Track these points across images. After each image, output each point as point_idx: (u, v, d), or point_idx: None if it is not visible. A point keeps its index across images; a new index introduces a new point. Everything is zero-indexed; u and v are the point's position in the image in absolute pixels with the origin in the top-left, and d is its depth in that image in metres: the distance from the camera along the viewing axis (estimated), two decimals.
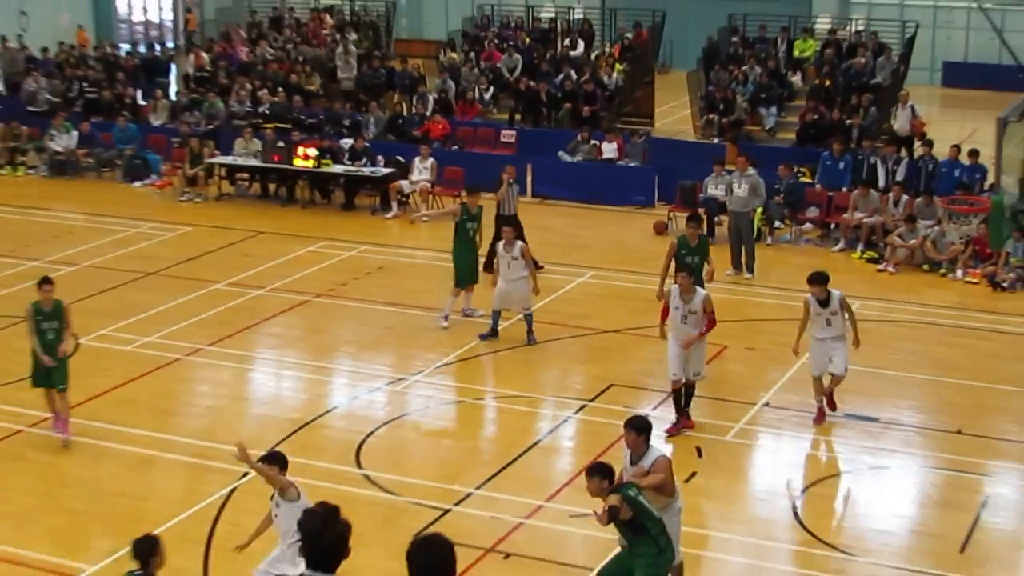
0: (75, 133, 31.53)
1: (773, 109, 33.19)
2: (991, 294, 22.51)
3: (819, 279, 16.88)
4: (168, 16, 52.20)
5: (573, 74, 34.54)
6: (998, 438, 16.56)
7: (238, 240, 25.53)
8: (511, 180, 22.72)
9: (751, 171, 23.85)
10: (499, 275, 19.72)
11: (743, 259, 23.40)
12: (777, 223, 25.87)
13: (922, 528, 14.49)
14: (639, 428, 12.13)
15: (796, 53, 36.04)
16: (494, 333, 19.72)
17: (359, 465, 15.68)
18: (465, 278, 20.63)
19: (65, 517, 14.49)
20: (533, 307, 19.70)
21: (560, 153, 29.88)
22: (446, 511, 14.41)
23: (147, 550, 10.39)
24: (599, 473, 11.47)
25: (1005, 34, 25.31)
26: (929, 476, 15.67)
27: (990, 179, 25.15)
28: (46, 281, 16.37)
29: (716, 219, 25.27)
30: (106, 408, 17.37)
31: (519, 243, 19.45)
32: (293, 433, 16.54)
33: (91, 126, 31.96)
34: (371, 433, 16.67)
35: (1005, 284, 22.63)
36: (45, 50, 39.10)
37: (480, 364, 18.43)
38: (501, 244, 19.63)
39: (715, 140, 31.70)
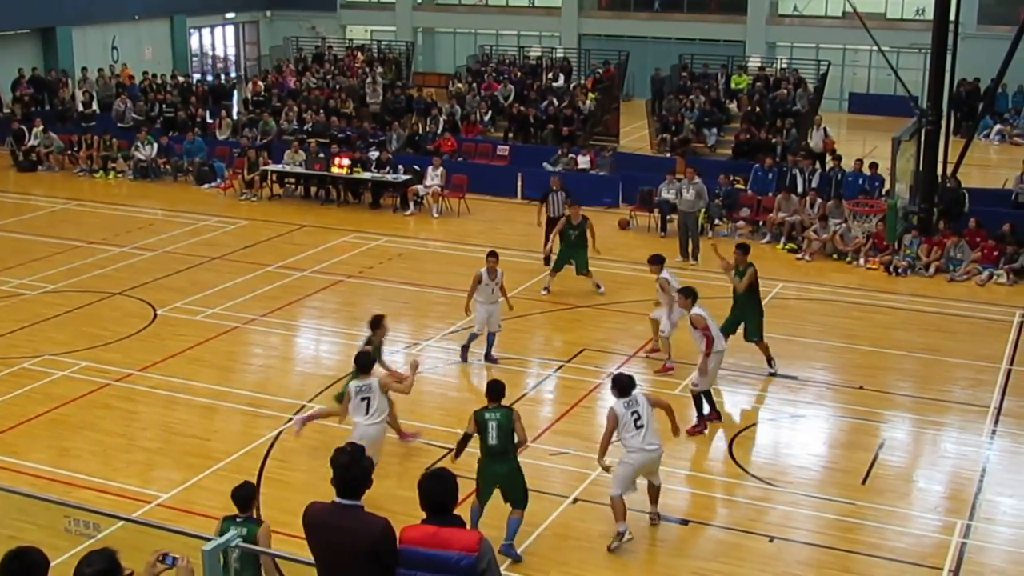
0: (156, 145, 31.37)
1: (714, 130, 33.03)
2: (887, 278, 22.40)
3: (655, 260, 17.38)
4: (232, 51, 51.90)
5: (555, 101, 34.38)
6: (892, 392, 16.47)
7: (286, 232, 25.36)
8: (556, 188, 22.52)
9: (697, 180, 23.70)
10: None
11: (689, 249, 23.26)
12: (717, 221, 25.71)
13: (831, 464, 14.37)
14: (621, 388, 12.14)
15: (733, 85, 35.91)
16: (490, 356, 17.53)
17: None
18: (558, 266, 20.84)
19: (143, 454, 14.36)
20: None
21: (544, 164, 29.71)
22: (451, 450, 14.27)
23: (247, 495, 9.84)
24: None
25: (900, 71, 25.16)
26: (837, 423, 15.57)
27: (886, 186, 25.01)
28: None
29: (668, 217, 25.15)
30: (178, 365, 17.23)
31: (500, 271, 17.26)
32: (329, 387, 16.36)
33: (169, 139, 31.79)
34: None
35: (899, 270, 22.53)
36: (131, 77, 38.88)
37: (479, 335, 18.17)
38: (485, 271, 17.08)
39: (668, 155, 31.51)
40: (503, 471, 11.83)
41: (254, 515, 9.95)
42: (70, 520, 7.55)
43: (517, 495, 11.87)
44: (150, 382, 16.57)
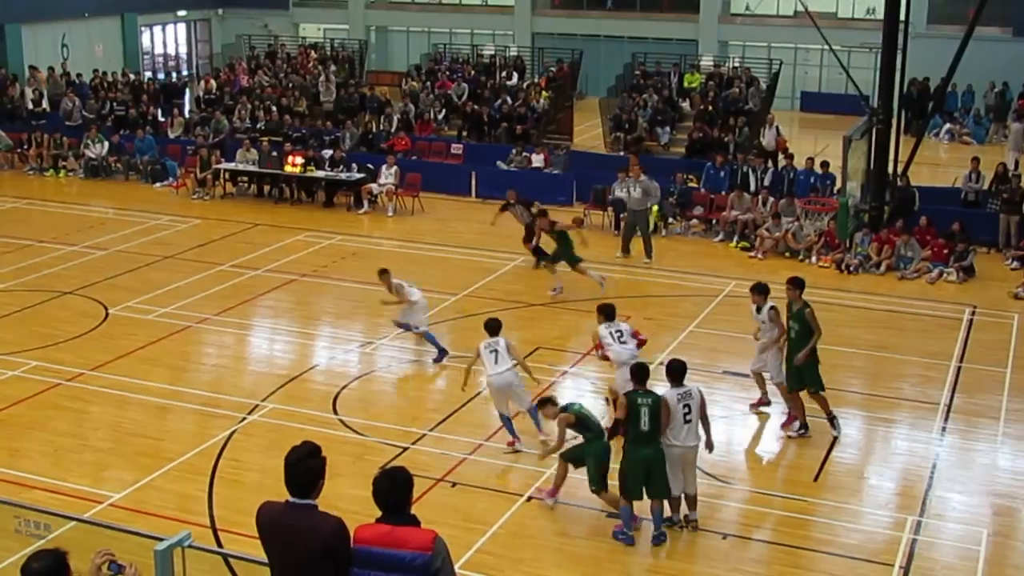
0: (107, 143, 31.08)
1: (667, 128, 33.15)
2: (838, 276, 22.60)
3: (759, 289, 15.09)
4: (184, 49, 51.48)
5: (509, 99, 34.39)
6: (843, 390, 16.59)
7: (239, 231, 25.20)
8: (513, 202, 22.93)
9: (643, 177, 23.78)
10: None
11: (643, 247, 23.33)
12: (670, 219, 25.85)
13: (784, 461, 14.49)
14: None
15: (685, 84, 36.04)
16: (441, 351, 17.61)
17: (335, 412, 15.50)
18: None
19: (95, 454, 14.22)
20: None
21: (498, 163, 29.76)
22: (405, 448, 14.27)
23: None
24: (548, 402, 12.71)
25: (851, 70, 25.39)
26: (781, 416, 15.64)
27: (838, 185, 25.23)
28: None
29: (621, 215, 25.20)
30: (130, 365, 17.07)
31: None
32: (283, 386, 16.33)
33: (120, 138, 31.50)
34: (345, 386, 16.50)
35: (851, 268, 22.74)
36: (80, 75, 38.47)
37: (433, 332, 18.15)
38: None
39: (621, 153, 31.60)
40: (654, 456, 11.85)
41: None
42: (20, 520, 7.47)
43: (661, 483, 11.92)
44: (102, 382, 16.40)
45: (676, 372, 12.22)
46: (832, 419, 14.95)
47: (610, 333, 14.49)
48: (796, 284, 14.61)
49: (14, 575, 6.00)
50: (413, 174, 27.92)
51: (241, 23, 49.80)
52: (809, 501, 13.18)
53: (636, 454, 11.87)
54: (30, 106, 35.76)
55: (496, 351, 14.18)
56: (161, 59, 49.95)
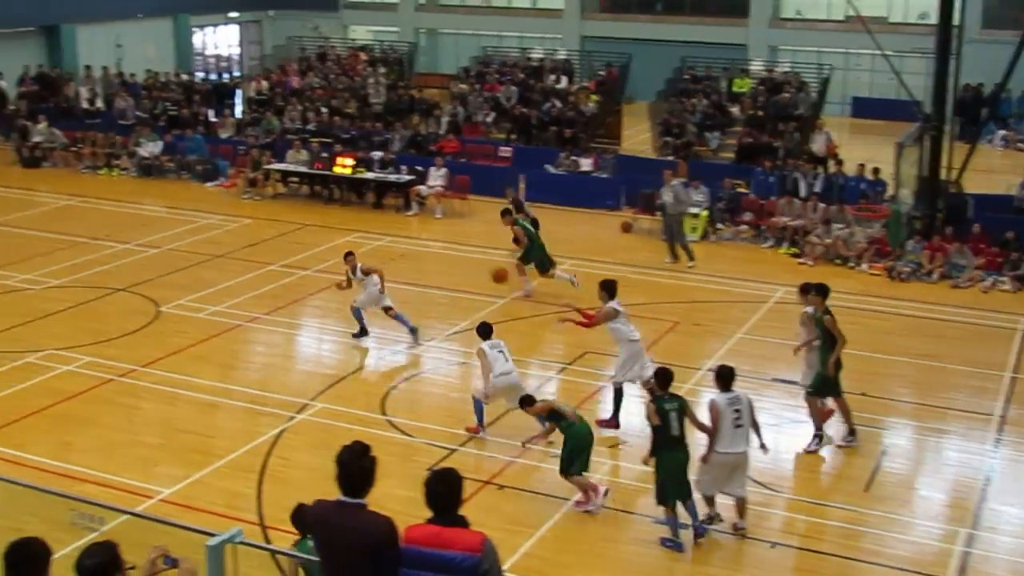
0: (160, 142, 31.39)
1: (716, 134, 32.96)
2: (889, 283, 22.37)
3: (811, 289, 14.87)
4: (235, 50, 51.86)
5: (557, 103, 34.35)
6: (894, 399, 16.43)
7: (289, 231, 25.32)
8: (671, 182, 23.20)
9: (675, 182, 23.62)
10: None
11: (681, 251, 23.20)
12: (719, 224, 25.72)
13: (835, 471, 14.35)
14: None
15: (735, 89, 35.80)
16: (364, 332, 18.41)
17: (383, 412, 15.53)
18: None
19: (146, 450, 14.33)
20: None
21: (546, 166, 29.74)
22: (453, 450, 14.27)
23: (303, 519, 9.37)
24: (528, 401, 13.65)
25: (902, 75, 25.11)
26: (839, 429, 15.46)
27: (888, 191, 24.99)
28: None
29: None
30: (180, 362, 17.22)
31: (358, 264, 18.36)
32: (331, 386, 16.40)
33: (172, 137, 31.80)
34: (393, 386, 16.54)
35: (902, 275, 22.50)
36: (133, 75, 38.85)
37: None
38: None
39: (670, 157, 31.47)
40: (687, 458, 12.11)
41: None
42: (75, 513, 7.53)
43: (687, 484, 12.12)
44: (153, 378, 16.55)
45: (725, 377, 12.20)
46: (820, 434, 14.67)
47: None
48: (819, 291, 14.57)
49: (67, 566, 6.04)
50: (462, 176, 27.96)
51: (291, 25, 50.10)
52: (859, 511, 13.03)
53: (672, 459, 11.99)
54: (85, 105, 36.20)
55: (503, 351, 14.60)
56: (213, 60, 50.35)
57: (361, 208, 27.92)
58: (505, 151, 31.75)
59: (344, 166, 28.10)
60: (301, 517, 9.43)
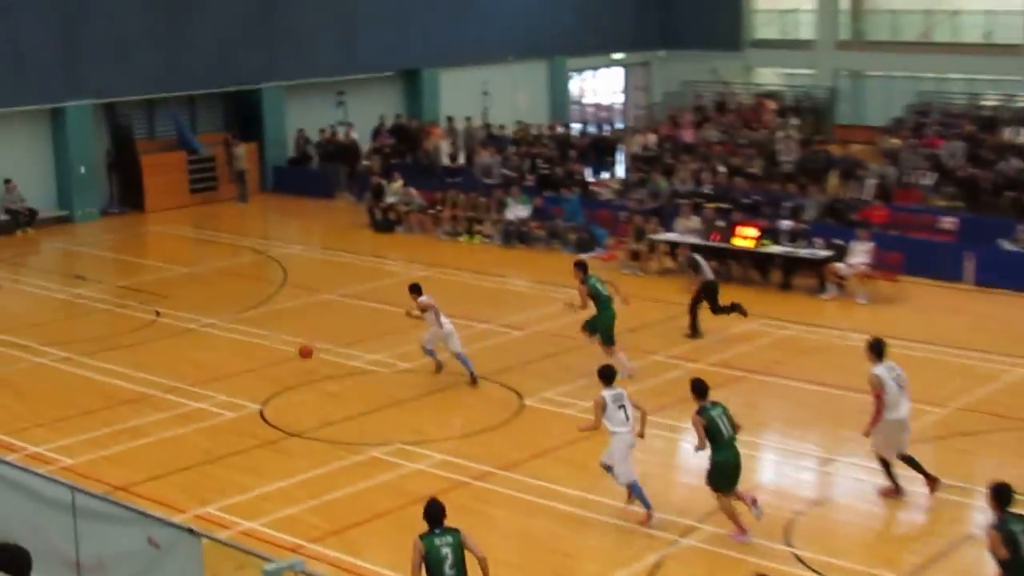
0: (530, 205, 32.56)
1: None
2: None
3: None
4: (618, 98, 53.19)
5: (1016, 162, 33.12)
6: None
7: (677, 314, 25.42)
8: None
9: None
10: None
11: None
12: None
13: None
14: None
15: None
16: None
17: (787, 543, 15.26)
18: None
19: (503, 569, 14.66)
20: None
21: (1000, 241, 28.62)
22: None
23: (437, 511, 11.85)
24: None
25: None
26: None
27: None
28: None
29: None
30: (545, 466, 17.72)
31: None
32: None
33: (543, 200, 32.93)
34: (799, 512, 16.23)
35: None
36: (501, 127, 40.60)
37: (924, 450, 17.35)
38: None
39: None
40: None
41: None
42: None
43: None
44: (511, 483, 17.02)
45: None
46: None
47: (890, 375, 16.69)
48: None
49: None
50: (892, 253, 27.34)
51: (685, 68, 50.90)
52: None
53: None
54: (445, 161, 38.13)
55: (623, 406, 15.86)
56: (592, 109, 51.96)
57: (765, 289, 27.80)
58: (948, 222, 30.81)
59: (745, 237, 28.11)
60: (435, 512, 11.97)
